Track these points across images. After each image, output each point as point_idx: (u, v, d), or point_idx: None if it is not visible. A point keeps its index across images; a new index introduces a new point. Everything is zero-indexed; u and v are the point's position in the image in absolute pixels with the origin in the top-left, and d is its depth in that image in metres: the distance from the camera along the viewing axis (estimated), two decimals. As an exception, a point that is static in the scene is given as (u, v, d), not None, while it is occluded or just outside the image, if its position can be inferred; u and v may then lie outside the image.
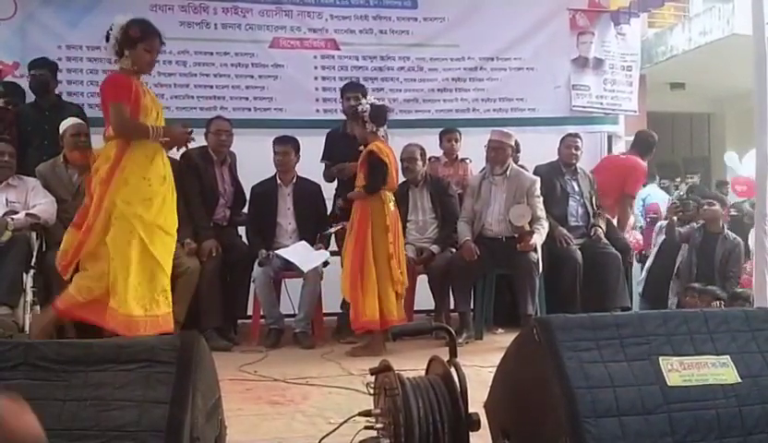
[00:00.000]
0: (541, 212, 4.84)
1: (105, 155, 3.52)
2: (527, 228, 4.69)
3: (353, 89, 5.11)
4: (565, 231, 5.13)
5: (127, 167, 3.47)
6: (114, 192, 3.44)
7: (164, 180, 3.61)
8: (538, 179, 4.98)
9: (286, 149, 4.93)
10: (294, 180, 5.01)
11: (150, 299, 3.48)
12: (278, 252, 4.71)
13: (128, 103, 3.49)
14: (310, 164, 5.12)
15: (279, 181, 5.00)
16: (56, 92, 5.10)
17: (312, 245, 4.86)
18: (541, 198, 4.90)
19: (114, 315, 3.40)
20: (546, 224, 4.83)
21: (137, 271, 3.45)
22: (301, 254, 4.72)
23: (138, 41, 3.52)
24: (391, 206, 4.42)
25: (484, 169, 5.06)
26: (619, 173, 5.83)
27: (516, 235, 4.72)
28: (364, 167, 4.36)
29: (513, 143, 4.98)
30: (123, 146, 3.49)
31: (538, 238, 4.71)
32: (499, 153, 4.90)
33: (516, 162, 5.25)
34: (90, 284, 3.50)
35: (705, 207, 5.80)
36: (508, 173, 4.90)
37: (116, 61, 3.59)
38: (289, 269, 4.73)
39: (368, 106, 4.37)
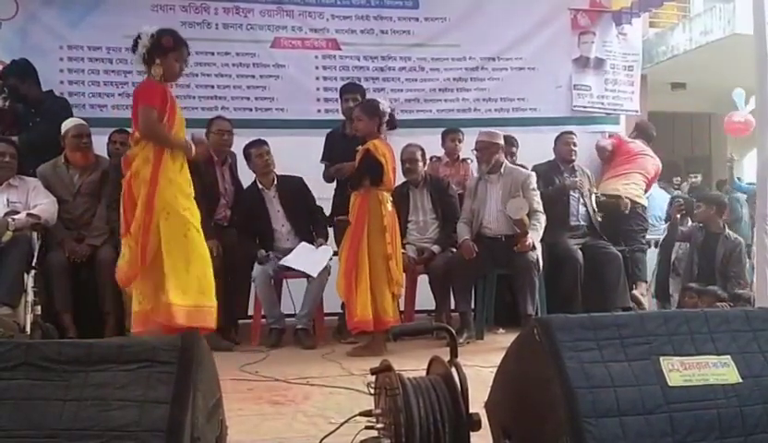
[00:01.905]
0: (538, 205, 4.82)
1: (143, 157, 3.49)
2: (526, 220, 4.67)
3: (351, 91, 5.10)
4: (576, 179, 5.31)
5: (169, 167, 3.50)
6: (164, 190, 3.46)
7: (191, 185, 3.65)
8: (533, 174, 4.99)
9: (265, 149, 4.88)
10: (275, 181, 4.98)
11: (209, 289, 3.52)
12: (282, 262, 4.70)
13: (157, 108, 3.50)
14: (311, 164, 5.11)
15: (261, 185, 4.95)
16: (55, 90, 5.10)
17: (311, 243, 4.86)
18: (537, 192, 4.89)
19: (172, 309, 3.37)
20: (542, 219, 4.81)
21: (196, 263, 3.48)
22: (305, 257, 4.71)
23: (170, 50, 3.56)
24: (389, 206, 4.40)
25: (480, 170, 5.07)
26: (653, 168, 6.07)
27: (516, 232, 4.70)
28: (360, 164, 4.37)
29: (500, 141, 4.94)
30: (160, 149, 3.51)
31: (535, 235, 4.69)
32: (484, 153, 4.90)
33: (514, 160, 5.27)
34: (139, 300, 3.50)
35: (695, 211, 5.85)
36: (502, 170, 4.90)
37: (145, 69, 3.60)
38: (290, 268, 4.73)
39: (390, 110, 4.41)
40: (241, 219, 4.96)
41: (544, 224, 4.81)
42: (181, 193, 3.52)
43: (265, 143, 4.93)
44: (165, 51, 3.54)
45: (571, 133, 5.57)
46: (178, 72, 3.65)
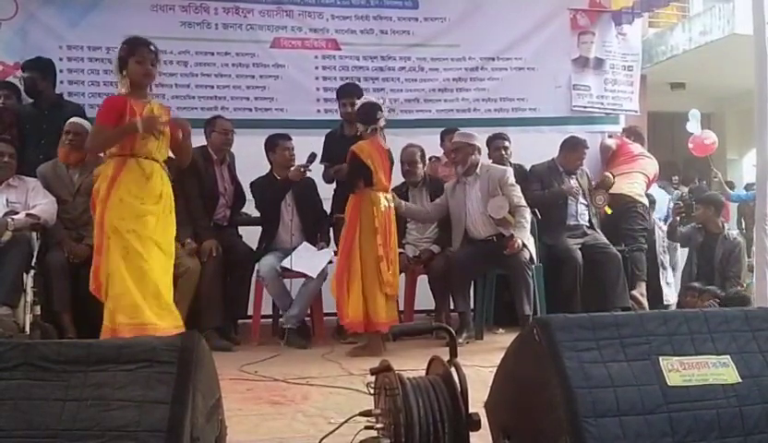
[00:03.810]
0: (519, 200, 4.75)
1: (104, 174, 3.56)
2: (509, 218, 4.65)
3: (348, 95, 5.06)
4: (572, 184, 5.28)
5: (122, 185, 3.49)
6: (110, 209, 3.47)
7: (160, 198, 3.57)
8: (509, 169, 4.96)
9: (291, 144, 4.92)
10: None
11: (151, 309, 3.41)
12: (283, 264, 4.68)
13: (111, 125, 3.54)
14: (311, 164, 5.11)
15: (278, 177, 4.96)
16: (57, 92, 5.09)
17: (314, 244, 4.87)
18: (517, 187, 4.83)
19: (118, 331, 3.34)
20: (527, 213, 4.76)
21: (137, 284, 3.41)
22: (305, 259, 4.69)
23: (128, 57, 3.57)
24: (381, 207, 4.34)
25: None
26: (653, 169, 6.14)
27: (504, 234, 4.67)
28: None
29: (476, 143, 4.89)
30: (119, 164, 3.52)
31: (523, 232, 4.65)
32: (459, 153, 4.86)
33: (508, 157, 5.27)
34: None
35: (693, 212, 5.88)
36: (477, 171, 4.86)
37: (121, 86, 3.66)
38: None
39: (387, 111, 4.43)
40: (256, 200, 5.01)
41: (530, 218, 4.78)
42: (131, 213, 3.47)
43: (290, 138, 4.95)
44: (125, 61, 3.57)
45: (586, 147, 5.52)
46: (144, 73, 3.58)
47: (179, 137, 3.72)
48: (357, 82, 5.48)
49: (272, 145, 4.93)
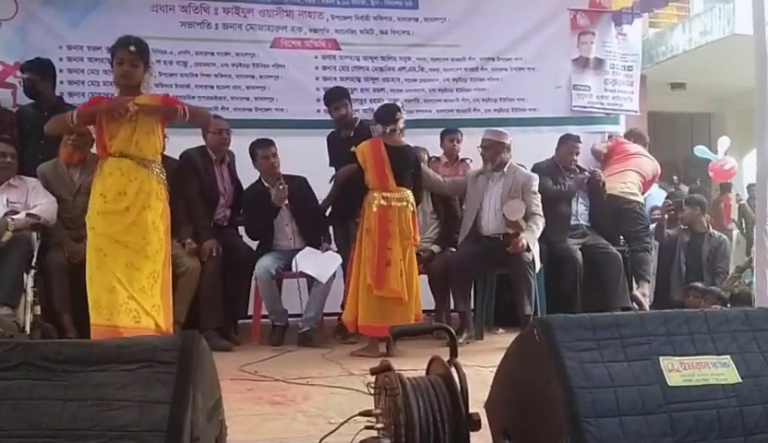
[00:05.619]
0: (536, 208, 4.77)
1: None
2: (521, 223, 4.65)
3: (336, 99, 4.99)
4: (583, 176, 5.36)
5: (96, 183, 3.54)
6: (89, 205, 3.55)
7: (122, 196, 3.46)
8: (535, 176, 4.95)
9: (272, 150, 4.83)
10: (281, 180, 4.93)
11: (112, 310, 3.32)
12: (301, 269, 4.64)
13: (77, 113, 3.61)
14: (311, 165, 5.10)
15: (266, 184, 4.88)
16: (57, 92, 5.09)
17: (314, 245, 4.86)
18: (538, 196, 4.84)
19: (92, 330, 3.36)
20: (540, 222, 4.77)
21: (98, 282, 3.39)
22: (310, 261, 4.67)
23: (112, 59, 3.58)
24: (374, 207, 4.25)
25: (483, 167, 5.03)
26: (651, 169, 6.10)
27: (510, 232, 4.67)
28: None
29: (506, 141, 4.88)
30: (100, 162, 3.59)
31: (531, 237, 4.65)
32: (488, 151, 4.86)
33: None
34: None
35: (679, 214, 6.04)
36: (505, 169, 4.86)
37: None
38: (289, 268, 4.73)
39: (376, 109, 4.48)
40: (247, 213, 4.96)
41: (542, 227, 4.78)
42: (93, 210, 3.50)
43: (272, 144, 4.86)
44: (112, 63, 3.60)
45: (577, 141, 5.50)
46: (121, 73, 3.53)
47: (179, 113, 3.60)
48: (357, 82, 5.48)
49: (252, 155, 4.87)
